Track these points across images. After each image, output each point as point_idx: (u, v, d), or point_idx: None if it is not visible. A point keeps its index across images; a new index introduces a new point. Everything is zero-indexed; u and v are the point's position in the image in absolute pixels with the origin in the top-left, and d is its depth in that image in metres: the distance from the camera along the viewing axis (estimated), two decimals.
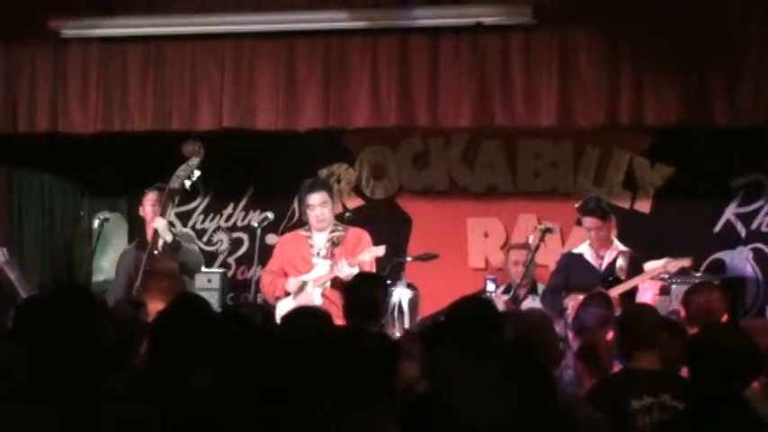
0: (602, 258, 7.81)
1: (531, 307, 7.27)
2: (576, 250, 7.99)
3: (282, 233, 8.59)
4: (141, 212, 7.94)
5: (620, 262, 7.64)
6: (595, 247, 7.81)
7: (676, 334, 5.20)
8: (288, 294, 7.67)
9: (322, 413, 3.40)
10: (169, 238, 7.58)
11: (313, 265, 7.71)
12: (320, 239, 7.78)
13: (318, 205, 7.70)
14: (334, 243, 7.74)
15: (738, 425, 3.76)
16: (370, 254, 7.56)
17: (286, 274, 7.78)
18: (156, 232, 7.55)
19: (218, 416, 3.30)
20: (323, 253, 7.73)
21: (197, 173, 7.70)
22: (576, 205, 7.92)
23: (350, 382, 3.56)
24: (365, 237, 7.74)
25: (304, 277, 7.69)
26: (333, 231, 7.79)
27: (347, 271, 7.48)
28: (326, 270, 7.62)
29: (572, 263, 7.91)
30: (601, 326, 5.78)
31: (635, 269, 7.65)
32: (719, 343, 3.87)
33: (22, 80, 8.53)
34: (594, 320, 5.93)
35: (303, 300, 7.45)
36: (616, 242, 7.84)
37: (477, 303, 4.71)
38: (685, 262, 7.61)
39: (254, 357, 3.87)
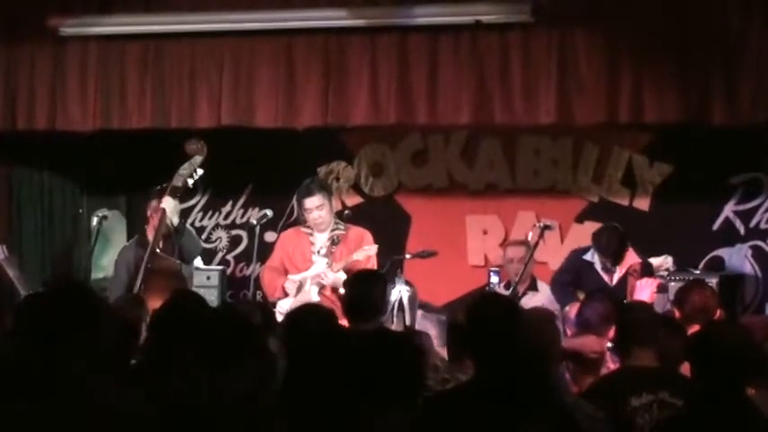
0: (612, 275, 7.83)
1: (535, 306, 7.26)
2: (586, 257, 7.98)
3: (281, 230, 8.59)
4: (149, 214, 7.86)
5: (631, 281, 7.64)
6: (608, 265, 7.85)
7: (673, 330, 5.21)
8: (287, 295, 7.67)
9: (348, 411, 3.38)
10: (176, 220, 7.57)
11: (312, 262, 7.72)
12: (321, 238, 7.78)
13: (315, 209, 7.69)
14: (334, 242, 7.74)
15: (742, 422, 3.76)
16: (363, 253, 7.55)
17: (286, 271, 7.78)
18: (163, 213, 7.52)
19: (214, 413, 3.31)
20: (323, 252, 7.74)
21: (200, 171, 7.68)
22: (591, 240, 7.93)
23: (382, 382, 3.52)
24: (367, 236, 7.73)
25: (301, 275, 7.70)
26: (333, 230, 7.79)
27: (332, 276, 7.50)
28: (323, 268, 7.63)
29: (582, 268, 7.92)
30: (604, 323, 5.78)
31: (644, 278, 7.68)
32: (725, 340, 3.86)
33: (21, 78, 8.52)
34: (597, 317, 5.94)
35: (303, 299, 7.45)
36: (629, 252, 7.85)
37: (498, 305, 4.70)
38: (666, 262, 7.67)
39: (251, 355, 3.87)
